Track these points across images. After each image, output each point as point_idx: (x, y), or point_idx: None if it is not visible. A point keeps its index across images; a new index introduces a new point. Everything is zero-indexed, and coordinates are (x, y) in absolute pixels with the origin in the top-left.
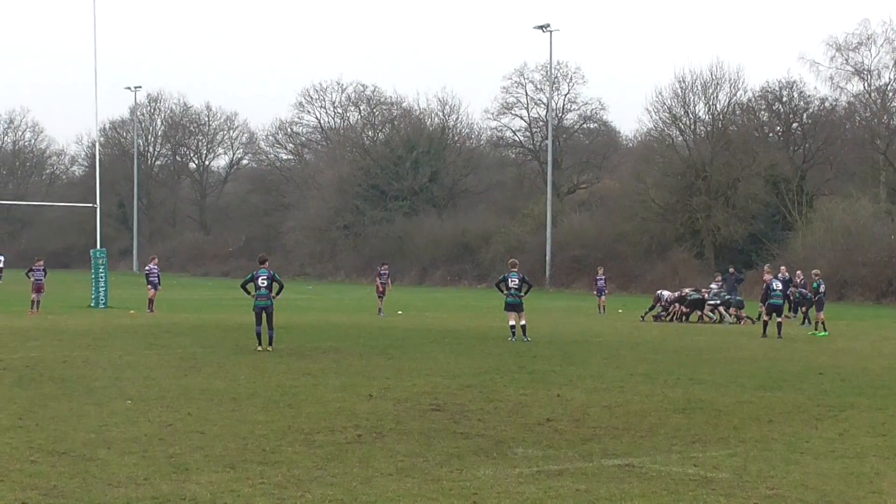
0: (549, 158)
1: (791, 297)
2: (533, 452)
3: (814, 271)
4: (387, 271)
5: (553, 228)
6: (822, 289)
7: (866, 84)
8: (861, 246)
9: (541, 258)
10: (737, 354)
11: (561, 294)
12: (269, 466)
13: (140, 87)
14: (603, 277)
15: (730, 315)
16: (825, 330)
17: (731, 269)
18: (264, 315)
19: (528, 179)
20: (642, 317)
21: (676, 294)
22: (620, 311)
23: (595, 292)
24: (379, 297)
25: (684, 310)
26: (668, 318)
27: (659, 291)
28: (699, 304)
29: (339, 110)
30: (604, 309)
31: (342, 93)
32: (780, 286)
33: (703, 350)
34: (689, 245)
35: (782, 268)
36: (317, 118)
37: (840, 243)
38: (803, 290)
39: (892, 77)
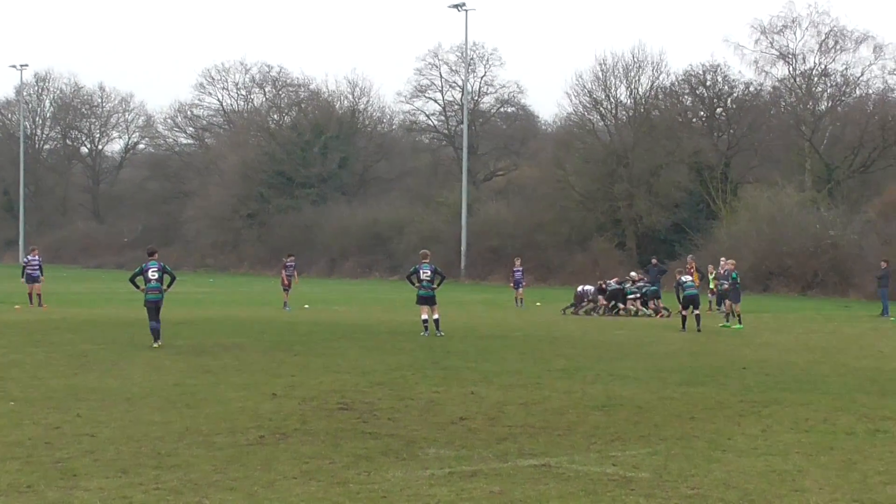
0: (465, 144)
1: (715, 290)
2: (445, 453)
3: (729, 261)
4: (293, 263)
5: (469, 217)
6: (738, 278)
7: (791, 68)
8: (786, 236)
9: (456, 248)
10: (658, 349)
11: (477, 286)
12: (164, 471)
13: (26, 65)
14: (520, 269)
15: (647, 308)
16: (740, 322)
17: (654, 260)
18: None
19: (443, 166)
20: (564, 310)
21: (597, 286)
22: (539, 304)
23: (512, 284)
24: (284, 290)
25: (604, 302)
26: (600, 313)
27: (580, 288)
28: (618, 295)
29: (243, 92)
30: (521, 302)
31: (246, 73)
32: (690, 279)
33: (623, 344)
34: (611, 235)
35: (721, 260)
36: (219, 100)
37: (765, 233)
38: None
39: (817, 61)
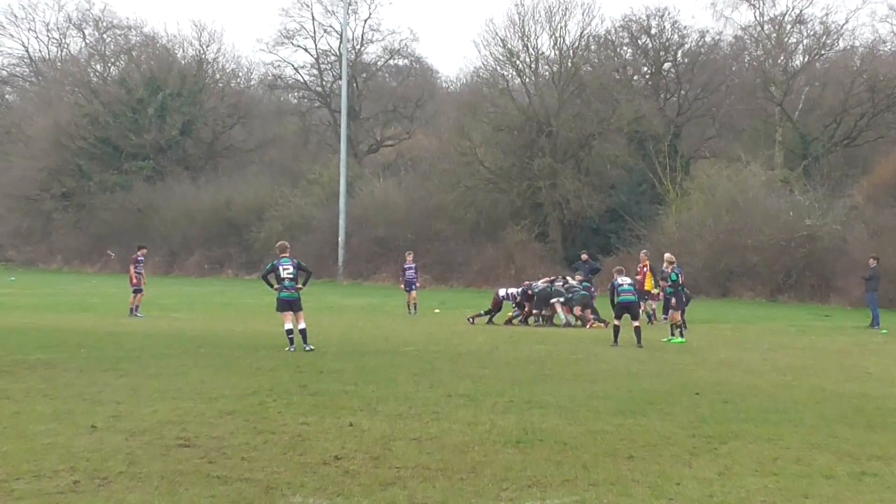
0: (344, 105)
1: (662, 294)
2: (316, 501)
3: (666, 256)
4: (143, 258)
5: (348, 200)
6: (680, 279)
7: (758, 13)
8: (751, 225)
9: (332, 240)
10: (589, 368)
11: (358, 288)
12: None
13: None
14: (413, 266)
15: (572, 316)
16: (681, 335)
17: (584, 256)
18: None
19: (316, 133)
20: (472, 318)
21: (521, 288)
22: (437, 310)
23: (403, 286)
24: (135, 292)
25: (530, 310)
26: (517, 321)
27: (502, 292)
28: (547, 299)
29: (56, 35)
30: (414, 308)
31: (59, 11)
32: (627, 281)
33: (544, 362)
34: (529, 223)
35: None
36: (23, 45)
37: (724, 221)
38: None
39: (790, 4)
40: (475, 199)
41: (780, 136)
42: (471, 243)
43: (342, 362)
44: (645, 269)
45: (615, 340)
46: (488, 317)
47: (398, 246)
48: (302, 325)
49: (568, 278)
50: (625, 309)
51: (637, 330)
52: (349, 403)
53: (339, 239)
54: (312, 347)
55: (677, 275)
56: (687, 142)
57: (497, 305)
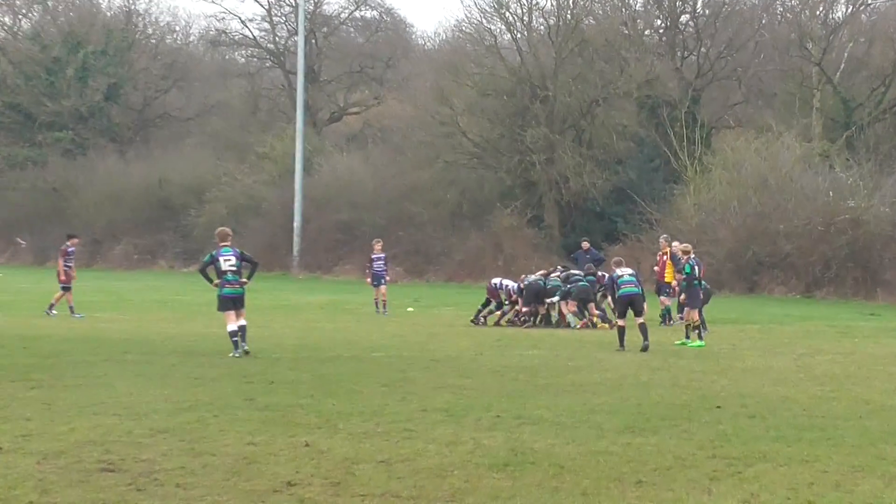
0: (301, 65)
1: (677, 289)
2: None
3: (680, 246)
4: (74, 249)
5: (306, 178)
6: (697, 272)
7: None
8: (784, 208)
9: (286, 225)
10: (590, 378)
11: (317, 282)
12: None
13: None
14: (382, 256)
15: (573, 317)
16: (700, 338)
17: (585, 243)
18: None
19: (268, 99)
20: (475, 320)
21: (517, 284)
22: (411, 309)
23: (370, 279)
24: (64, 288)
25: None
26: (521, 322)
27: (495, 281)
28: (538, 295)
29: None
30: (384, 306)
31: None
32: (628, 271)
33: (538, 371)
34: (521, 205)
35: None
36: None
37: (752, 203)
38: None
39: None
40: (457, 177)
41: (818, 102)
42: (451, 229)
43: (297, 371)
44: (665, 257)
45: (621, 344)
46: (496, 311)
47: (365, 233)
48: (242, 322)
49: (569, 268)
50: (627, 303)
51: (642, 327)
52: (305, 419)
53: (295, 224)
54: (248, 350)
55: (692, 266)
56: (708, 109)
57: (496, 296)
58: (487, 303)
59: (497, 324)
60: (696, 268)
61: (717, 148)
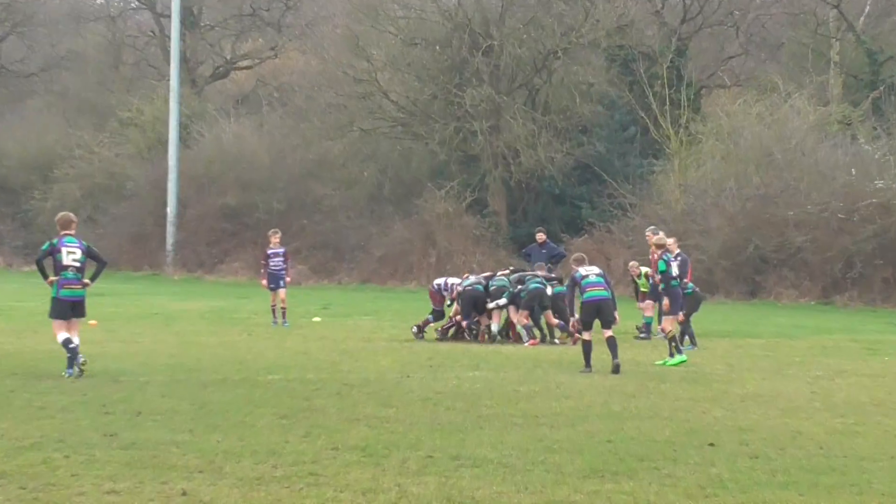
0: (177, 7)
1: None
2: None
3: (653, 238)
4: None
5: (183, 151)
6: (673, 270)
7: None
8: (794, 189)
9: (157, 211)
10: (548, 407)
11: (197, 284)
12: None
13: None
14: (281, 251)
15: (519, 326)
16: (679, 351)
17: (541, 235)
18: None
19: (133, 50)
20: (418, 332)
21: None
22: (318, 319)
23: (265, 281)
24: None
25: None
26: (471, 334)
27: (438, 282)
28: (471, 302)
29: None
30: (283, 314)
31: None
32: (595, 270)
33: (481, 398)
34: (458, 186)
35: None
36: None
37: (753, 184)
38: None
39: None
40: (376, 151)
41: (836, 55)
42: (369, 217)
43: (172, 398)
44: (657, 258)
45: (587, 364)
46: (434, 321)
47: (259, 221)
48: (76, 340)
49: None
50: (595, 310)
51: (611, 342)
52: (182, 461)
53: (168, 210)
54: (85, 364)
55: (666, 263)
56: (697, 63)
57: (438, 303)
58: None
59: (444, 336)
60: (672, 265)
61: (709, 113)
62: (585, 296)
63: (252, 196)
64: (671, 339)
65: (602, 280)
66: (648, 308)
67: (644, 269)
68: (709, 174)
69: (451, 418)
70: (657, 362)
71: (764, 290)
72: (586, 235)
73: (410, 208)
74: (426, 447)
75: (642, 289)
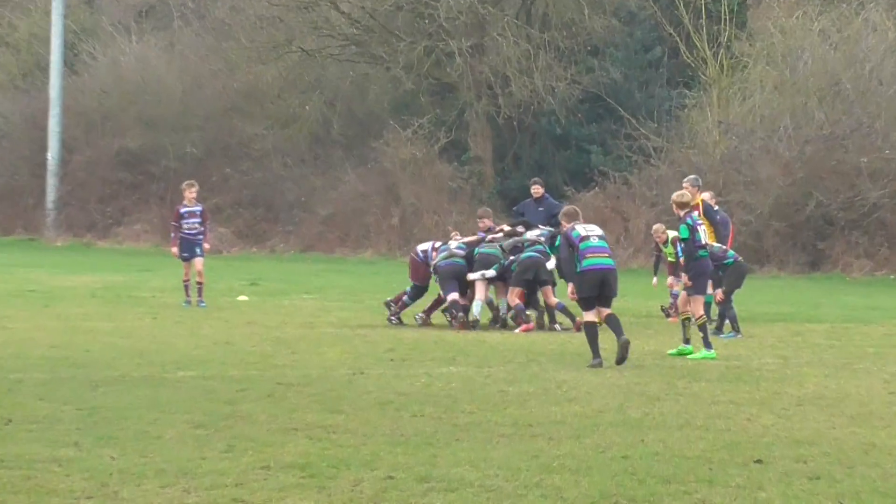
0: None
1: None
2: None
3: (675, 196)
4: None
5: (70, 80)
6: (701, 237)
7: None
8: (869, 130)
9: (34, 157)
10: (545, 413)
11: (87, 252)
12: None
13: None
14: (198, 209)
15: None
16: (709, 345)
17: (537, 188)
18: None
19: None
20: (392, 315)
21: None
22: (245, 297)
23: (176, 248)
24: None
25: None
26: (453, 318)
27: (423, 247)
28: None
29: None
30: (199, 292)
31: None
32: (596, 232)
33: (457, 402)
34: (430, 125)
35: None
36: None
37: (815, 122)
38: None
39: None
40: (322, 78)
41: None
42: (313, 165)
43: (53, 402)
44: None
45: (594, 353)
46: (411, 302)
47: (167, 170)
48: None
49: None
50: (598, 283)
51: (611, 320)
52: (65, 484)
53: (49, 156)
54: None
55: (690, 228)
56: None
57: (421, 277)
58: (414, 290)
59: (425, 321)
60: (699, 230)
61: (758, 29)
62: (585, 263)
63: (159, 137)
64: (700, 325)
65: (605, 244)
66: (678, 284)
67: (672, 234)
68: (757, 109)
69: (419, 428)
70: (670, 352)
71: (828, 260)
72: (597, 189)
73: (366, 153)
74: (385, 465)
75: (670, 258)
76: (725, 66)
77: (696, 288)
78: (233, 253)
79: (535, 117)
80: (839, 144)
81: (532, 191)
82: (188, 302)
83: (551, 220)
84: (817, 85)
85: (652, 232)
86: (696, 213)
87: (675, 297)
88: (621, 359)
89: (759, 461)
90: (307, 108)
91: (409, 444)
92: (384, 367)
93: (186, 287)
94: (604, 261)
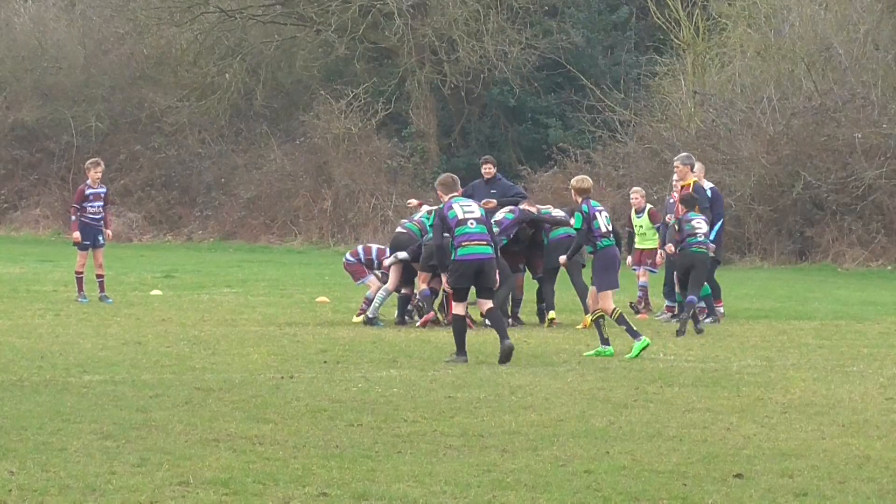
0: None
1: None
2: None
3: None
4: None
5: None
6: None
7: None
8: (863, 101)
9: None
10: (498, 422)
11: None
12: None
13: None
14: (103, 191)
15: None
16: (606, 341)
17: (488, 167)
18: None
19: None
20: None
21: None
22: (158, 291)
23: (77, 232)
24: None
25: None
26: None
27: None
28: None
29: None
30: (100, 286)
31: None
32: (473, 212)
33: (399, 409)
34: (367, 96)
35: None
36: None
37: (803, 92)
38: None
39: None
40: (243, 42)
41: None
42: (233, 141)
43: None
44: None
45: (459, 350)
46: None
47: (69, 147)
48: None
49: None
50: (472, 273)
51: (493, 316)
52: None
53: None
54: None
55: (583, 217)
56: None
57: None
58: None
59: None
60: (600, 217)
61: None
62: (461, 252)
63: (59, 110)
64: (595, 319)
65: (484, 229)
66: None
67: (649, 206)
68: (737, 78)
69: (356, 439)
70: (587, 353)
71: (818, 248)
72: (556, 168)
73: (294, 128)
74: (318, 481)
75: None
76: (701, 29)
77: (603, 283)
78: (144, 241)
79: (486, 87)
80: (830, 117)
81: (483, 171)
82: (85, 298)
83: (514, 197)
84: (805, 50)
85: (631, 196)
86: (595, 201)
87: (643, 288)
88: (504, 360)
89: (739, 476)
90: (227, 76)
91: (345, 457)
92: (316, 370)
93: (81, 280)
94: (480, 249)
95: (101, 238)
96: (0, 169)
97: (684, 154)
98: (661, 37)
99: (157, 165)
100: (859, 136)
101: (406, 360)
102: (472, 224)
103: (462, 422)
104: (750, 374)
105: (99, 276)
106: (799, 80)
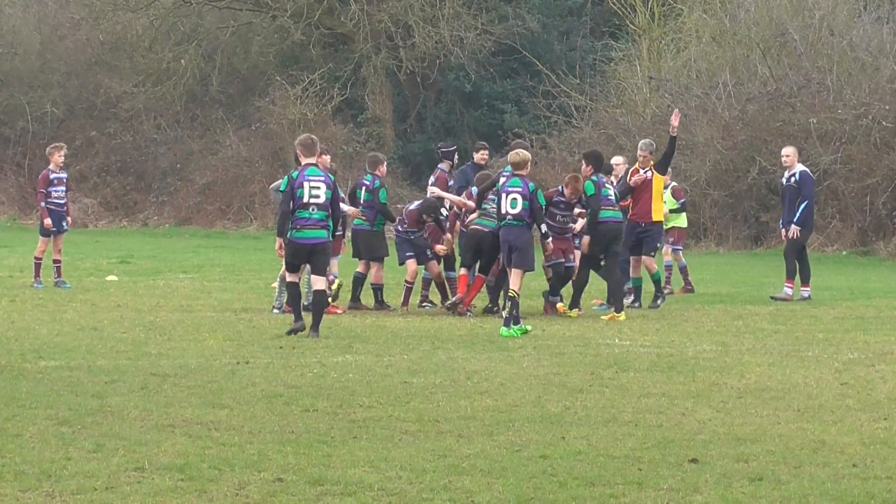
0: None
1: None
2: None
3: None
4: None
5: None
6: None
7: None
8: (819, 87)
9: None
10: (454, 407)
11: None
12: None
13: None
14: (65, 176)
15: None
16: (517, 320)
17: (483, 152)
18: None
19: None
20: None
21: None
22: (114, 277)
23: (48, 219)
24: None
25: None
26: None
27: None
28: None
29: None
30: (57, 271)
31: None
32: (318, 199)
33: (354, 394)
34: (323, 82)
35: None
36: None
37: (759, 77)
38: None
39: None
40: (199, 28)
41: None
42: (189, 126)
43: None
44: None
45: (297, 317)
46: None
47: (24, 133)
48: None
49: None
50: (304, 255)
51: (317, 298)
52: None
53: None
54: None
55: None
56: None
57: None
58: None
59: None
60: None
61: None
62: (296, 235)
63: (14, 96)
64: (510, 297)
65: (324, 215)
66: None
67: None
68: (693, 63)
69: (311, 424)
70: (503, 332)
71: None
72: (496, 158)
73: (250, 114)
74: (274, 467)
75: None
76: (657, 14)
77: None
78: (100, 227)
79: (442, 72)
80: (785, 103)
81: (477, 157)
82: (40, 283)
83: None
84: (761, 35)
85: (612, 168)
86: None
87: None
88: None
89: (694, 461)
90: (182, 62)
91: (300, 442)
92: (271, 355)
93: (39, 266)
94: (315, 234)
95: (64, 224)
96: None
97: (646, 140)
98: (617, 22)
99: (112, 151)
100: (814, 121)
101: (361, 346)
102: (313, 210)
103: (418, 407)
104: (705, 359)
105: (56, 261)
106: (754, 65)
